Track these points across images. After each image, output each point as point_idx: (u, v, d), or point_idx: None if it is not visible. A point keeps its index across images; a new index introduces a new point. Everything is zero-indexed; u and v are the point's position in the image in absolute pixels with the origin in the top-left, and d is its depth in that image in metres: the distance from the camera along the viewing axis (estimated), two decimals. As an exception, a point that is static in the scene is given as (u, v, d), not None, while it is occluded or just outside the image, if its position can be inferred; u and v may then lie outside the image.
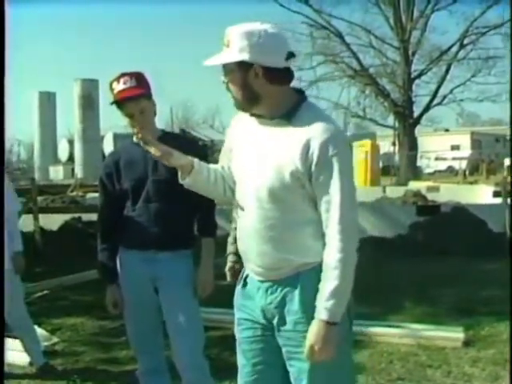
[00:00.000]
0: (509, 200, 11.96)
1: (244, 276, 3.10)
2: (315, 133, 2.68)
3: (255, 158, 2.84)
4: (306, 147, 2.67)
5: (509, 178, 11.97)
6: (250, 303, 3.03)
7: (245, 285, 3.09)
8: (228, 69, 2.77)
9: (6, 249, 5.08)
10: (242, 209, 2.91)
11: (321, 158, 2.66)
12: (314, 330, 2.73)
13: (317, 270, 2.77)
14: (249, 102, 2.80)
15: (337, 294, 2.69)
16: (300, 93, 2.89)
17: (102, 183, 4.09)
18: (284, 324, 2.89)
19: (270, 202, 2.78)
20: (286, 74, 2.80)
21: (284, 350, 2.94)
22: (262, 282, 2.94)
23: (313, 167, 2.68)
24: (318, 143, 2.66)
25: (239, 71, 2.74)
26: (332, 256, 2.70)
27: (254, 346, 3.04)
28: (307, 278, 2.81)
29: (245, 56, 2.69)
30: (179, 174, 2.99)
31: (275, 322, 2.92)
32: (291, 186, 2.73)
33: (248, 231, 2.90)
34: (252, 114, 2.89)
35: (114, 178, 3.99)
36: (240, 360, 3.12)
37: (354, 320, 2.95)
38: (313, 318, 2.76)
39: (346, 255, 2.69)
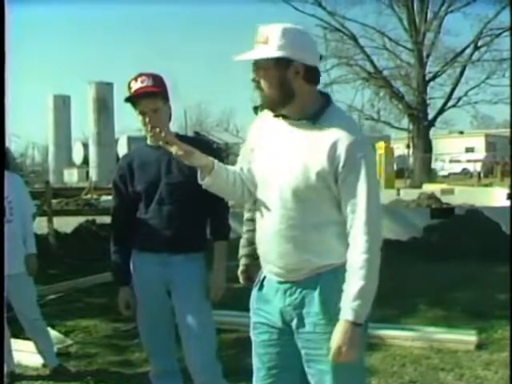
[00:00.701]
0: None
1: (261, 279, 3.09)
2: (343, 135, 2.71)
3: (280, 158, 2.85)
4: (334, 148, 2.70)
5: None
6: (267, 306, 3.03)
7: (261, 288, 3.08)
8: (264, 66, 2.77)
9: (19, 251, 5.13)
10: (267, 208, 2.90)
11: (348, 159, 2.69)
12: (340, 331, 2.72)
13: (337, 272, 2.80)
14: (283, 100, 2.81)
15: (363, 295, 2.71)
16: (326, 96, 2.92)
17: (115, 186, 4.10)
18: (303, 326, 2.89)
19: (294, 202, 2.80)
20: (318, 75, 2.85)
21: (303, 352, 2.94)
22: (280, 283, 2.94)
23: (340, 168, 2.70)
24: (345, 145, 2.69)
25: (277, 68, 2.76)
26: (358, 256, 2.71)
27: (270, 349, 3.04)
28: (327, 280, 2.83)
29: (287, 53, 2.72)
30: (199, 173, 2.98)
31: (294, 323, 2.92)
32: (317, 186, 2.75)
33: (269, 231, 2.90)
34: (277, 115, 2.90)
35: (127, 180, 4.01)
36: (255, 363, 3.11)
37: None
38: (332, 319, 2.77)
39: (371, 256, 2.71)
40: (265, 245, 2.97)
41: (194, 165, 2.97)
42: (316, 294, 2.84)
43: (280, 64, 2.74)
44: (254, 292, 3.14)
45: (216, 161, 3.01)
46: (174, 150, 2.95)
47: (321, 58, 2.88)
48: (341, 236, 2.80)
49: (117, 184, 4.07)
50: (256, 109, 4.15)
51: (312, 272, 2.85)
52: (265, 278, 3.07)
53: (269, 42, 2.72)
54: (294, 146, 2.81)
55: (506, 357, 5.72)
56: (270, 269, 2.99)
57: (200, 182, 3.00)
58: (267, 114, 2.99)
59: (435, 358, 5.84)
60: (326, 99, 2.88)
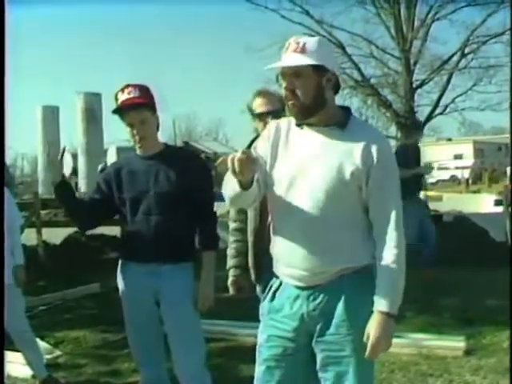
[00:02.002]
0: (510, 209, 11.93)
1: (274, 289, 3.11)
2: (374, 138, 2.91)
3: (310, 161, 2.92)
4: (367, 149, 2.86)
5: (510, 187, 11.92)
6: (279, 316, 3.05)
7: (273, 299, 3.10)
8: (303, 73, 2.86)
9: (7, 263, 5.12)
10: (294, 211, 2.93)
11: (380, 158, 2.85)
12: (377, 323, 2.81)
13: (360, 274, 2.90)
14: (316, 107, 2.91)
15: (396, 287, 2.85)
16: (345, 107, 3.08)
17: (97, 185, 4.11)
18: (327, 328, 2.93)
19: (325, 202, 2.87)
20: (339, 85, 3.02)
21: (322, 355, 2.97)
22: (302, 289, 2.97)
23: (373, 166, 2.84)
24: (377, 146, 2.87)
25: (315, 76, 2.87)
26: (390, 251, 2.84)
27: (283, 363, 3.05)
28: (351, 282, 2.90)
29: (324, 62, 2.86)
30: (238, 182, 2.80)
31: (318, 327, 2.95)
32: (350, 185, 2.86)
33: (296, 233, 2.94)
34: (299, 124, 2.99)
35: (112, 184, 4.02)
36: (264, 376, 3.10)
37: None
38: (356, 321, 2.87)
39: (401, 251, 2.85)
40: (289, 248, 2.98)
41: (250, 172, 2.75)
42: (341, 295, 2.91)
43: (317, 72, 2.87)
44: (265, 304, 3.15)
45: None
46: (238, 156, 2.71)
47: None
48: (365, 238, 2.92)
49: (99, 184, 4.09)
50: (260, 115, 4.17)
51: (335, 275, 2.91)
52: (277, 288, 3.09)
53: (306, 51, 2.85)
54: (325, 149, 2.91)
55: (493, 362, 5.76)
56: (291, 273, 3.00)
57: (242, 188, 2.82)
58: (278, 124, 3.09)
59: (424, 364, 5.84)
60: (348, 110, 3.04)
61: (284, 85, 2.90)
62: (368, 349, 2.81)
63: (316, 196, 2.87)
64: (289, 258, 2.99)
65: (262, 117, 4.13)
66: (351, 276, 2.91)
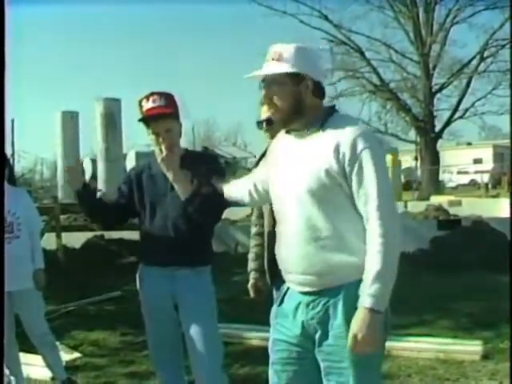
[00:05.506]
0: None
1: (283, 294, 3.13)
2: (345, 133, 2.83)
3: (293, 167, 2.94)
4: (338, 147, 2.81)
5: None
6: (286, 321, 3.06)
7: (282, 303, 3.12)
8: (278, 81, 2.91)
9: (27, 267, 5.16)
10: (287, 215, 2.97)
11: (351, 154, 2.79)
12: (357, 318, 2.74)
13: (360, 283, 2.80)
14: (295, 114, 2.94)
15: (380, 279, 2.73)
16: (331, 107, 3.05)
17: (118, 188, 4.20)
18: (326, 338, 2.91)
19: (312, 203, 2.86)
20: (324, 90, 3.01)
21: (323, 365, 2.96)
22: (303, 294, 2.97)
23: (346, 164, 2.80)
24: (348, 143, 2.80)
25: (291, 84, 2.90)
26: (374, 241, 2.75)
27: (288, 367, 3.06)
28: (350, 291, 2.84)
29: (300, 69, 2.87)
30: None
31: (317, 336, 2.94)
32: (328, 184, 2.83)
33: (291, 236, 2.95)
34: (287, 130, 3.03)
35: (133, 188, 4.09)
36: (272, 379, 3.13)
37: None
38: None
39: (387, 239, 2.74)
40: (286, 251, 3.00)
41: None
42: (339, 306, 2.87)
43: (293, 79, 2.89)
44: (275, 308, 3.20)
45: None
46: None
47: (327, 74, 3.01)
48: (361, 234, 2.83)
49: (121, 187, 4.17)
50: (259, 123, 4.24)
51: (333, 282, 2.87)
52: (286, 293, 3.11)
53: (282, 59, 2.88)
54: (303, 152, 2.92)
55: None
56: (291, 279, 3.02)
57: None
58: (282, 134, 3.12)
59: (441, 368, 5.85)
60: (331, 109, 3.02)
61: (263, 93, 2.96)
62: (348, 343, 2.76)
63: (301, 200, 2.88)
64: (287, 261, 3.01)
65: (261, 124, 4.22)
66: (350, 286, 2.85)
